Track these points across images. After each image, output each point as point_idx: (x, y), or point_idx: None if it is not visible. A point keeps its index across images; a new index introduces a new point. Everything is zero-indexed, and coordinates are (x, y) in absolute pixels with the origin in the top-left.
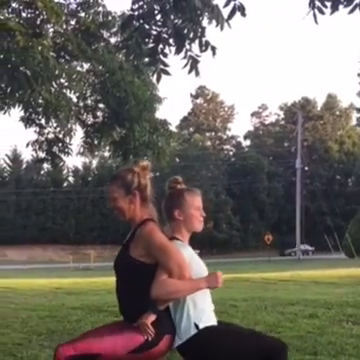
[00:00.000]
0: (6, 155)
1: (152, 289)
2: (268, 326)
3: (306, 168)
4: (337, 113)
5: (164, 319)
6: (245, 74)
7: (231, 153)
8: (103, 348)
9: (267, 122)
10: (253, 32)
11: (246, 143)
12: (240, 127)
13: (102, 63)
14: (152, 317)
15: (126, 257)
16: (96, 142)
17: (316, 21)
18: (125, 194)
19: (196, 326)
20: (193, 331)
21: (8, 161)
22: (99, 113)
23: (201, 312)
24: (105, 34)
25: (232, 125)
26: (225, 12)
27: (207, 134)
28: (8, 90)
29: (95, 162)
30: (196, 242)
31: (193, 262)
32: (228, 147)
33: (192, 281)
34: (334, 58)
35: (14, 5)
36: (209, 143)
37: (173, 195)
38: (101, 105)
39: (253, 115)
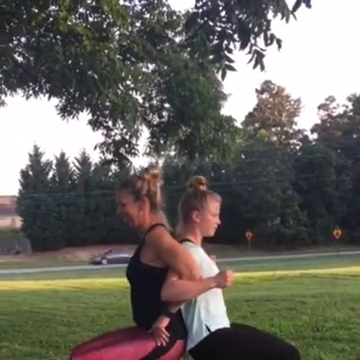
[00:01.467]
0: (75, 158)
1: (162, 291)
2: (338, 323)
3: None
4: None
5: (176, 323)
6: (311, 66)
7: (298, 147)
8: (112, 357)
9: (335, 114)
10: (318, 23)
11: (313, 137)
12: (307, 121)
13: (167, 63)
14: (166, 321)
15: (137, 263)
16: (162, 142)
17: None
18: (134, 200)
19: (208, 328)
20: (205, 333)
21: (77, 164)
22: (164, 113)
23: (213, 314)
24: (170, 34)
25: (298, 119)
26: (290, 4)
27: (273, 129)
28: (77, 94)
29: (161, 162)
30: (264, 239)
31: (204, 264)
32: (295, 141)
33: (201, 281)
34: None
35: (81, 10)
36: (275, 138)
37: (195, 196)
38: (166, 105)
39: (320, 108)
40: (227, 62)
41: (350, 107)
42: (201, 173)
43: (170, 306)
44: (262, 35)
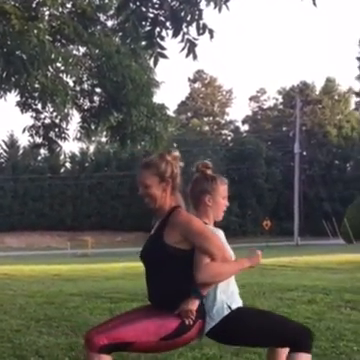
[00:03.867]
0: (3, 141)
1: (197, 274)
2: None
3: (304, 153)
4: (336, 97)
5: (199, 305)
6: (243, 58)
7: (229, 138)
8: (136, 336)
9: (265, 106)
10: (251, 15)
11: (244, 128)
12: (238, 112)
13: (99, 47)
14: (196, 303)
15: (160, 244)
16: (93, 127)
17: (314, 3)
18: (159, 182)
19: (229, 307)
20: (226, 311)
21: (5, 147)
22: (96, 98)
23: (232, 294)
24: (102, 17)
25: (230, 110)
26: None
27: (205, 119)
28: (4, 75)
29: (92, 148)
30: None
31: (225, 245)
32: (226, 132)
33: (235, 262)
34: (333, 41)
35: None
36: (207, 128)
37: (205, 180)
38: (98, 89)
39: (251, 99)
40: (159, 49)
41: (280, 100)
42: (132, 161)
43: (202, 288)
44: (194, 24)
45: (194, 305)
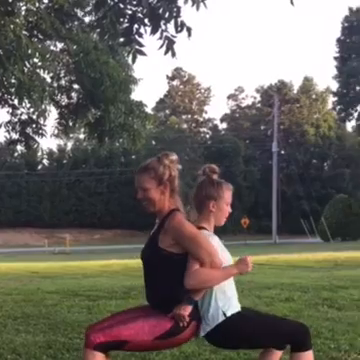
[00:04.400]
0: None
1: (186, 280)
2: None
3: (282, 152)
4: (313, 96)
5: (193, 308)
6: (221, 56)
7: (208, 136)
8: (131, 335)
9: (243, 105)
10: (229, 13)
11: (223, 126)
12: (217, 110)
13: (76, 43)
14: (189, 309)
15: (154, 248)
16: (71, 124)
17: (292, 2)
18: (157, 185)
19: (224, 314)
20: (221, 318)
21: None
22: (73, 94)
23: (229, 299)
24: (79, 13)
25: (209, 108)
26: None
27: (183, 116)
28: None
29: (70, 144)
30: None
31: (220, 251)
32: (205, 130)
33: (224, 269)
34: (311, 41)
35: None
36: (185, 126)
37: (212, 185)
38: (75, 86)
39: (229, 98)
40: (137, 46)
41: (258, 99)
42: (111, 158)
43: (193, 294)
44: (173, 22)
45: (186, 310)
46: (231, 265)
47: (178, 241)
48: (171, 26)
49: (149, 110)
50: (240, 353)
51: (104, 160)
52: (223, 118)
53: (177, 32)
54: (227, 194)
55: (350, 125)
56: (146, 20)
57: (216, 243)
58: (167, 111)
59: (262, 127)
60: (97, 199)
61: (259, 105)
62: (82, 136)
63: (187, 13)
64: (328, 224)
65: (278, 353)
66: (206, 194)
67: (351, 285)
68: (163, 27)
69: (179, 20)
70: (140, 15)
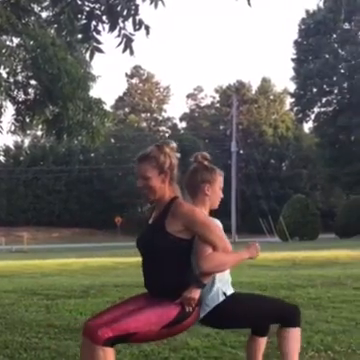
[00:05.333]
0: None
1: (200, 263)
2: None
3: (241, 152)
4: (271, 97)
5: None
6: (180, 55)
7: (167, 135)
8: (138, 326)
9: (203, 104)
10: (189, 13)
11: (182, 125)
12: (176, 109)
13: (33, 38)
14: (198, 292)
15: (162, 234)
16: (28, 120)
17: (249, 3)
18: (158, 174)
19: (224, 294)
20: (221, 298)
21: None
22: (31, 90)
23: (226, 282)
24: (36, 8)
25: (168, 106)
26: None
27: (143, 115)
28: None
29: (27, 141)
30: (134, 224)
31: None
32: (164, 129)
33: (235, 253)
34: (269, 42)
35: None
36: (145, 124)
37: (206, 170)
38: (33, 82)
39: (189, 97)
40: (95, 43)
41: (217, 98)
42: (69, 155)
43: (204, 277)
44: (131, 19)
45: (196, 293)
46: (242, 250)
47: (189, 227)
48: (129, 24)
49: (108, 108)
50: (200, 351)
51: (62, 157)
52: (182, 117)
53: (135, 30)
54: (220, 178)
55: (307, 126)
56: (104, 17)
57: (221, 228)
58: (126, 109)
59: (221, 127)
60: (55, 197)
61: (218, 105)
62: (40, 133)
63: (145, 11)
64: (286, 224)
65: (263, 342)
66: (201, 178)
67: (308, 284)
68: (121, 25)
69: (137, 18)
70: (98, 12)
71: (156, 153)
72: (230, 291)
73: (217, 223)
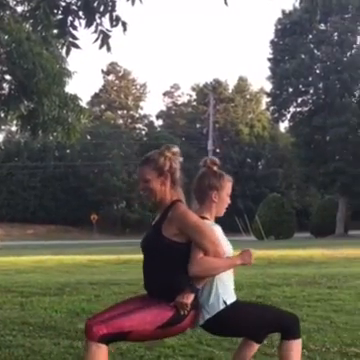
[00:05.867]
0: None
1: (190, 267)
2: None
3: (218, 150)
4: (248, 96)
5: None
6: (157, 53)
7: (143, 132)
8: (133, 325)
9: (179, 102)
10: (166, 10)
11: (158, 123)
12: (152, 106)
13: (8, 33)
14: (191, 296)
15: (158, 237)
16: (2, 115)
17: (226, 2)
18: (157, 176)
19: (224, 302)
20: (222, 306)
21: None
22: (5, 85)
23: (228, 289)
24: (11, 2)
25: (144, 104)
26: None
27: (119, 112)
28: None
29: (1, 136)
30: (110, 222)
31: (222, 241)
32: (140, 126)
33: (228, 258)
34: (245, 41)
35: None
36: (121, 121)
37: (214, 176)
38: (7, 76)
39: (165, 95)
40: (71, 39)
41: (194, 97)
42: (45, 151)
43: (196, 282)
44: (108, 16)
45: (189, 298)
46: (235, 256)
47: (183, 230)
48: (106, 20)
49: (84, 104)
50: (176, 349)
51: (37, 153)
52: (159, 115)
53: (112, 26)
54: (228, 185)
55: (283, 126)
56: (81, 13)
57: (219, 233)
58: (102, 106)
59: (198, 125)
60: (30, 193)
61: (195, 103)
62: (14, 128)
63: (122, 8)
64: (262, 222)
65: (254, 348)
66: (209, 184)
67: (284, 283)
68: (98, 21)
69: (114, 14)
70: (74, 7)
71: (156, 156)
72: (231, 299)
73: (214, 227)
